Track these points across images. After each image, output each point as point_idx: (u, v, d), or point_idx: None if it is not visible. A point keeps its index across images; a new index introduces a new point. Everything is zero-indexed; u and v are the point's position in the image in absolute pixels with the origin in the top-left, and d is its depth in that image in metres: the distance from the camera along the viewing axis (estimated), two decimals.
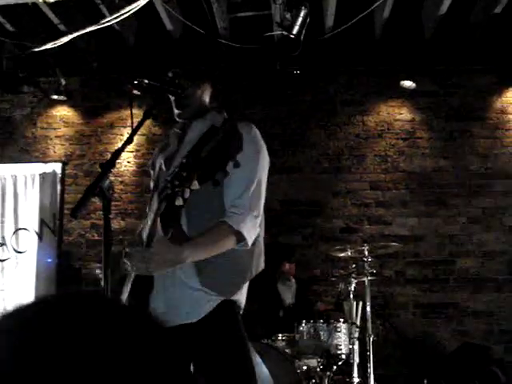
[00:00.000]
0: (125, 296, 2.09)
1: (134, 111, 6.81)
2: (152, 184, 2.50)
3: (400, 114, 6.28)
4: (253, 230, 2.29)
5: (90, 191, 1.85)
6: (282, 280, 5.34)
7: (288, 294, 5.31)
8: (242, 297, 2.37)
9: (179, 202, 2.03)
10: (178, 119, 2.43)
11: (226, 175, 2.09)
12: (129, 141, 2.07)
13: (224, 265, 2.26)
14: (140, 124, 2.13)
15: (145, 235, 2.18)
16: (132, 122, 2.13)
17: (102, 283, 1.88)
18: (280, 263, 5.32)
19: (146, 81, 2.17)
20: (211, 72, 2.48)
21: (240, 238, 2.23)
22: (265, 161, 2.46)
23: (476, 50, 6.13)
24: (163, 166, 2.40)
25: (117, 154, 1.99)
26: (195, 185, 2.01)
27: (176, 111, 2.39)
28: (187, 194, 2.02)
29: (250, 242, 2.26)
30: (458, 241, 6.03)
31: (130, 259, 2.07)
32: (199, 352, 2.24)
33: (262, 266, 2.41)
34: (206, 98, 2.46)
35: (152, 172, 2.54)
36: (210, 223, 2.23)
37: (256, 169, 2.38)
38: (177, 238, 2.13)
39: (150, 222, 2.16)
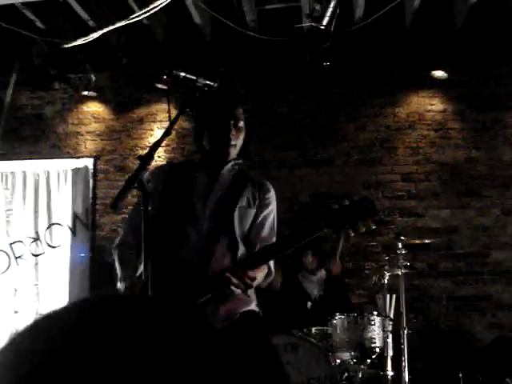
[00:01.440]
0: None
1: (163, 106, 6.87)
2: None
3: (431, 105, 6.20)
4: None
5: (130, 183, 1.85)
6: (303, 272, 5.29)
7: (313, 286, 5.26)
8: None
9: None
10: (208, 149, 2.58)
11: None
12: (167, 133, 2.07)
13: None
14: (177, 117, 2.13)
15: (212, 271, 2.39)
16: (169, 114, 2.15)
17: (143, 277, 1.88)
18: (301, 255, 5.26)
19: (183, 73, 2.16)
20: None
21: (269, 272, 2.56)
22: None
23: (508, 39, 6.02)
24: (196, 201, 2.54)
25: (155, 146, 1.99)
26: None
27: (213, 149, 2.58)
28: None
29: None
30: (491, 233, 5.94)
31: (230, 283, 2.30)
32: None
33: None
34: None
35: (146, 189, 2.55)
36: None
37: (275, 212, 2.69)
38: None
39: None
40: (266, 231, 2.59)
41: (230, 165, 2.58)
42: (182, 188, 2.54)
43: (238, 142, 2.54)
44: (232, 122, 2.49)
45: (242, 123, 2.53)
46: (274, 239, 2.61)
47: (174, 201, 2.51)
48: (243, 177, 2.62)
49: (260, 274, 2.43)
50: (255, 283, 2.37)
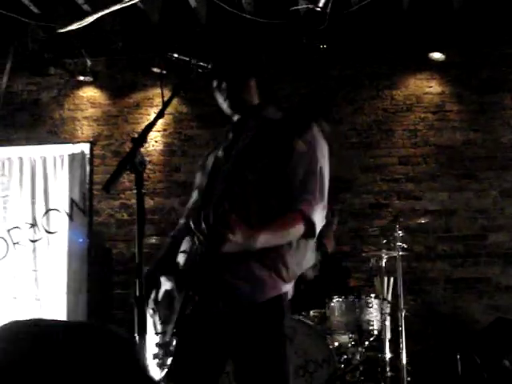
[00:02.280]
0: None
1: (160, 91, 6.81)
2: (200, 181, 2.46)
3: (429, 87, 6.17)
4: (321, 222, 2.23)
5: (123, 166, 1.84)
6: None
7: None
8: (291, 289, 2.31)
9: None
10: (229, 111, 2.39)
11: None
12: (160, 115, 2.05)
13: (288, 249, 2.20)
14: (170, 99, 2.11)
15: (210, 217, 2.11)
16: (163, 96, 2.11)
17: (136, 259, 1.87)
18: None
19: (176, 55, 2.14)
20: (254, 68, 2.44)
21: (310, 228, 2.18)
22: (324, 150, 2.29)
23: (506, 20, 5.98)
24: (219, 155, 2.37)
25: (148, 128, 1.98)
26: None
27: (225, 104, 2.35)
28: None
29: (316, 234, 2.21)
30: (489, 215, 5.94)
31: (202, 235, 2.05)
32: (238, 337, 2.21)
33: (312, 261, 2.33)
34: (254, 93, 2.40)
35: (200, 173, 2.47)
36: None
37: (317, 158, 2.23)
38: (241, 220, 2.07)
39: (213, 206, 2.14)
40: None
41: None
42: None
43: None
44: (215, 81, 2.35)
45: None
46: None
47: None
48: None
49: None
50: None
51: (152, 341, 2.16)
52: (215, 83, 2.33)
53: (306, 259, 2.28)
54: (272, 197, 2.19)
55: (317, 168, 2.21)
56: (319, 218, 2.19)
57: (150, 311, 2.23)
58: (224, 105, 2.36)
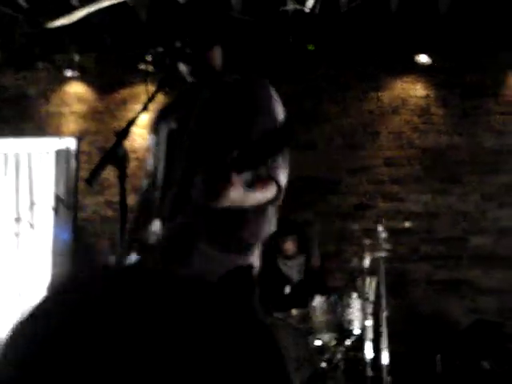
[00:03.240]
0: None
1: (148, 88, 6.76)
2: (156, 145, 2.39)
3: (415, 90, 6.22)
4: (285, 181, 2.11)
5: (105, 159, 1.84)
6: (282, 257, 5.29)
7: (292, 271, 5.27)
8: (257, 260, 2.20)
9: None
10: (190, 79, 2.33)
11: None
12: (144, 109, 2.06)
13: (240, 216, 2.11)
14: (156, 92, 2.12)
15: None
16: (147, 90, 2.12)
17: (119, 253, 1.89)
18: (280, 241, 5.24)
19: (161, 49, 2.15)
20: (220, 34, 2.36)
21: (279, 192, 2.08)
22: (279, 108, 2.25)
23: (492, 26, 6.04)
24: (173, 126, 2.30)
25: (131, 122, 1.98)
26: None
27: (189, 79, 2.31)
28: None
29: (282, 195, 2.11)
30: (471, 218, 5.99)
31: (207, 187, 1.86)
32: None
33: (272, 228, 2.23)
34: (218, 62, 2.34)
35: (154, 135, 2.42)
36: None
37: (276, 118, 2.16)
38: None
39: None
40: None
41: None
42: None
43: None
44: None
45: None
46: None
47: None
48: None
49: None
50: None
51: None
52: (179, 46, 2.24)
53: (270, 225, 2.21)
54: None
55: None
56: (284, 180, 2.10)
57: None
58: (185, 70, 2.30)
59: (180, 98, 2.42)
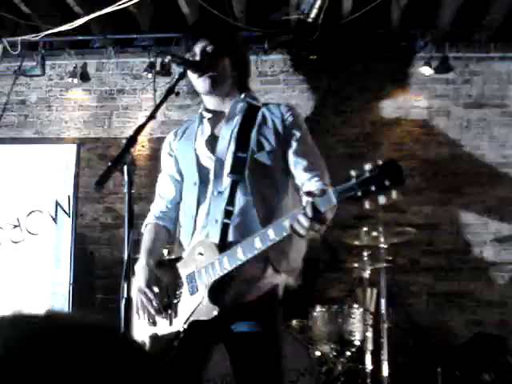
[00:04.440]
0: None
1: (148, 95, 6.80)
2: (176, 170, 2.50)
3: (417, 101, 6.22)
4: None
5: (114, 164, 1.84)
6: None
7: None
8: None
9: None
10: (207, 90, 2.36)
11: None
12: (152, 116, 2.05)
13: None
14: (163, 100, 2.12)
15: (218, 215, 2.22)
16: (154, 98, 2.11)
17: (125, 262, 1.87)
18: None
19: (169, 57, 2.14)
20: (228, 45, 2.38)
21: None
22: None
23: (494, 37, 6.06)
24: (206, 151, 2.37)
25: (140, 129, 1.97)
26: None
27: (202, 83, 2.33)
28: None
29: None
30: (473, 230, 5.98)
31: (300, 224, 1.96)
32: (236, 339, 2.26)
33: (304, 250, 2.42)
34: (229, 73, 2.39)
35: (171, 158, 2.51)
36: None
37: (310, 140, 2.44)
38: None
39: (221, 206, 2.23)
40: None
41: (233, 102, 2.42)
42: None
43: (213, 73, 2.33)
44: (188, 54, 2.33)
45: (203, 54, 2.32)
46: None
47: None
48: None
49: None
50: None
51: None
52: (189, 63, 2.29)
53: (303, 248, 2.36)
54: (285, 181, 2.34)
55: (315, 148, 2.45)
56: None
57: (149, 294, 2.23)
58: (201, 85, 2.35)
59: (198, 124, 2.47)
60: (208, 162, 2.34)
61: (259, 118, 2.35)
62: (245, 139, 2.26)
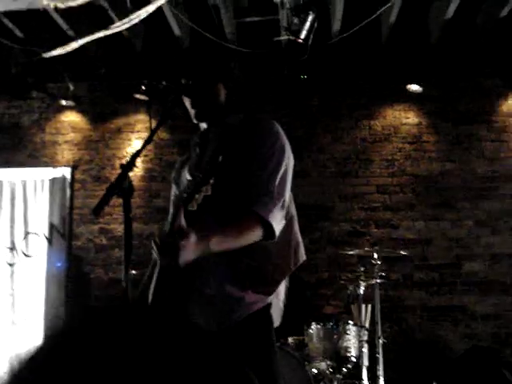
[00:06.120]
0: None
1: (141, 117, 6.87)
2: (174, 197, 2.50)
3: (407, 118, 6.30)
4: (281, 222, 2.19)
5: (111, 190, 1.86)
6: None
7: None
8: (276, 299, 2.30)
9: (192, 207, 2.06)
10: (195, 121, 2.38)
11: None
12: (148, 141, 2.08)
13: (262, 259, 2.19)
14: (159, 125, 2.15)
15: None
16: (150, 123, 2.15)
17: (124, 284, 1.90)
18: None
19: (164, 83, 2.19)
20: (222, 72, 2.41)
21: (268, 230, 2.13)
22: (285, 149, 2.37)
23: (482, 54, 6.16)
24: (188, 177, 2.35)
25: (136, 154, 2.00)
26: (208, 190, 2.03)
27: (193, 111, 2.33)
28: (200, 199, 2.04)
29: (276, 236, 2.15)
30: (465, 244, 6.03)
31: (158, 250, 2.04)
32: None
33: (302, 257, 2.32)
34: (221, 99, 2.37)
35: (175, 186, 2.51)
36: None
37: (274, 158, 2.28)
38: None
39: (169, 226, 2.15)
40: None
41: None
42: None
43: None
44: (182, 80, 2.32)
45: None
46: None
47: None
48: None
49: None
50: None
51: None
52: (183, 88, 2.30)
53: (297, 256, 2.29)
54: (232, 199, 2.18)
55: (279, 167, 2.26)
56: (278, 218, 2.16)
57: None
58: (191, 112, 2.34)
59: (193, 148, 2.47)
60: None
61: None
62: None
